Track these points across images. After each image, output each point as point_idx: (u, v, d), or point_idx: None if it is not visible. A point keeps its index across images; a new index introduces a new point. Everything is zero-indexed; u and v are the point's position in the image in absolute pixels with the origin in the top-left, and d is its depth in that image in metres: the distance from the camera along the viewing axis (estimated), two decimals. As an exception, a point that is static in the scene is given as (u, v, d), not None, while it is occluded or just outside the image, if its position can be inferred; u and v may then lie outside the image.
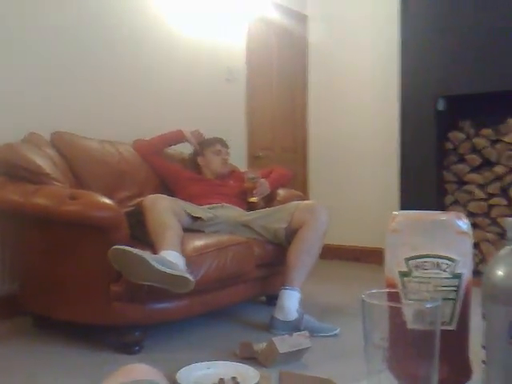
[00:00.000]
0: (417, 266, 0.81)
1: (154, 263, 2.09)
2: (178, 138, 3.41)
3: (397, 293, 0.76)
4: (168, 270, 2.11)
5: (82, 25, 3.26)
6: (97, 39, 3.34)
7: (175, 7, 3.86)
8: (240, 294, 2.79)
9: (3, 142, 2.67)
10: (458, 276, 0.79)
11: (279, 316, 2.59)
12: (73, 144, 2.94)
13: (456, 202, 4.07)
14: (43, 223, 2.42)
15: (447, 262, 0.80)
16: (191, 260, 2.35)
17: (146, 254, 2.12)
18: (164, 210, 2.49)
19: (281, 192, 3.38)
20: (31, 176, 2.53)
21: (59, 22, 3.13)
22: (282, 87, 4.95)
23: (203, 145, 3.40)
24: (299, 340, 2.18)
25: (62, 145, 2.89)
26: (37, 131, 2.84)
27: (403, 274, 0.81)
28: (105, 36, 3.39)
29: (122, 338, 2.31)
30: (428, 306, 0.69)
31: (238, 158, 3.97)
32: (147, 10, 3.67)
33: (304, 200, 3.16)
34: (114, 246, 2.12)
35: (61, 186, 2.57)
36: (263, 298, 3.22)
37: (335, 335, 2.55)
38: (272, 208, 3.03)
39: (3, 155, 2.61)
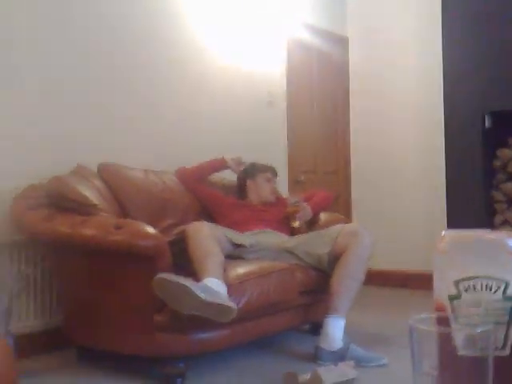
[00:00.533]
0: (467, 289, 0.78)
1: (197, 292, 2.10)
2: (220, 165, 3.44)
3: (446, 317, 0.74)
4: (210, 299, 2.11)
5: (128, 64, 3.37)
6: (137, 73, 3.43)
7: (214, 32, 3.93)
8: (283, 322, 2.77)
9: (52, 174, 2.75)
10: (510, 298, 0.76)
11: (324, 345, 2.55)
12: (118, 174, 3.01)
13: (506, 222, 3.97)
14: (89, 254, 2.47)
15: (499, 283, 0.77)
16: (233, 288, 2.34)
17: (189, 283, 2.13)
18: (206, 237, 2.51)
19: (323, 216, 3.35)
20: (79, 207, 2.60)
21: (107, 64, 3.25)
22: (323, 110, 4.96)
23: (255, 169, 3.42)
24: (345, 370, 2.14)
25: (108, 175, 2.96)
26: (84, 163, 2.93)
27: (453, 297, 0.79)
28: (145, 69, 3.48)
29: (166, 370, 2.31)
30: (479, 330, 0.66)
31: (280, 182, 3.96)
32: (186, 38, 3.74)
33: (347, 223, 3.13)
34: (158, 275, 2.14)
35: (107, 216, 2.62)
36: (307, 327, 3.17)
37: (383, 365, 2.48)
38: (314, 232, 3.00)
39: (52, 187, 2.70)
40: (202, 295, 2.10)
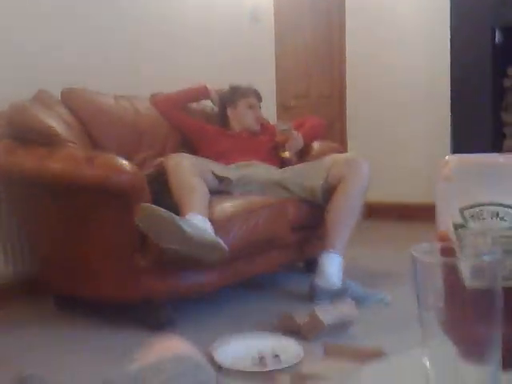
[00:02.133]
0: (473, 217, 0.79)
1: (182, 225, 2.11)
2: (201, 94, 3.41)
3: (451, 247, 0.75)
4: (196, 234, 2.13)
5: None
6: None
7: None
8: (275, 261, 2.81)
9: (10, 100, 2.68)
10: (520, 226, 0.77)
11: (320, 283, 2.60)
12: (85, 101, 2.96)
13: (517, 147, 3.99)
14: (58, 191, 2.45)
15: (508, 210, 0.78)
16: (219, 225, 2.36)
17: (174, 215, 2.14)
18: (188, 170, 2.51)
19: (315, 145, 3.35)
20: (43, 138, 2.56)
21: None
22: (316, 28, 4.86)
23: (236, 94, 3.36)
24: (344, 309, 2.18)
25: (73, 103, 2.91)
26: (46, 88, 2.86)
27: (458, 226, 0.80)
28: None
29: (152, 315, 2.35)
30: (487, 259, 0.67)
31: (267, 108, 3.92)
32: None
33: (342, 153, 3.14)
34: (143, 204, 2.14)
35: (76, 148, 2.59)
36: (301, 265, 3.23)
37: (384, 303, 2.54)
38: (307, 163, 3.02)
39: (11, 117, 2.65)
40: (188, 229, 2.12)
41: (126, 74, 3.41)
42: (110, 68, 3.33)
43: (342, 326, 2.18)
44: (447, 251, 0.72)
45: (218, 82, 3.46)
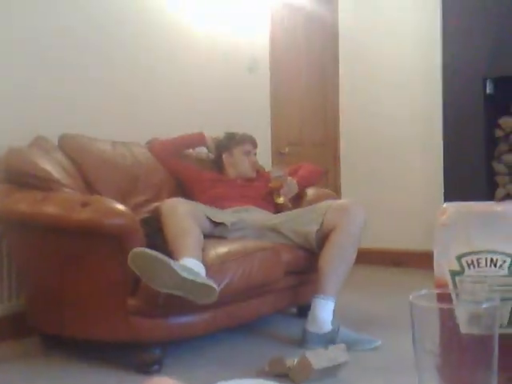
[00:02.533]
0: (470, 264, 0.80)
1: (176, 268, 2.11)
2: (198, 141, 3.46)
3: (448, 294, 0.76)
4: (191, 277, 2.13)
5: (89, 22, 3.30)
6: (105, 35, 3.39)
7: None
8: (268, 306, 2.80)
9: (8, 145, 2.72)
10: (517, 274, 0.78)
11: (312, 328, 2.59)
12: (82, 147, 2.99)
13: (508, 196, 4.02)
14: (53, 233, 2.45)
15: (505, 258, 0.79)
16: (213, 269, 2.36)
17: (168, 258, 2.15)
18: (183, 214, 2.52)
19: (310, 191, 3.38)
20: (39, 183, 2.58)
21: (67, 22, 3.19)
22: (310, 77, 4.96)
23: (232, 141, 3.41)
24: (335, 354, 2.16)
25: (70, 148, 2.94)
26: (44, 134, 2.90)
27: (455, 273, 0.81)
28: (113, 31, 3.43)
29: (141, 357, 2.33)
30: (484, 306, 0.68)
31: (262, 154, 3.97)
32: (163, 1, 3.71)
33: (336, 199, 3.16)
34: (134, 249, 2.15)
35: (71, 193, 2.62)
36: (294, 310, 3.22)
37: (375, 348, 2.54)
38: (301, 209, 3.03)
39: (9, 161, 2.67)
40: (183, 273, 2.12)
41: (124, 121, 3.45)
42: (108, 115, 3.37)
43: (332, 370, 2.16)
44: (444, 298, 0.73)
45: (215, 130, 3.52)
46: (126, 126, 3.42)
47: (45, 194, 2.50)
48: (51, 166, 2.68)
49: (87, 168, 2.93)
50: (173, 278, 2.13)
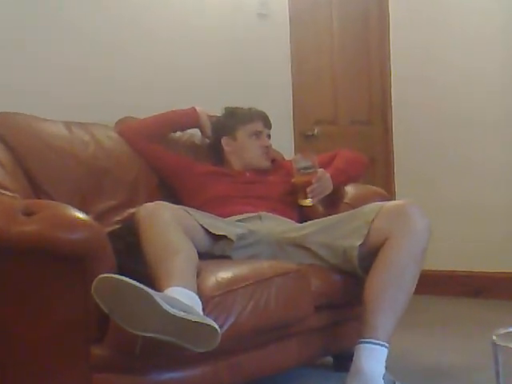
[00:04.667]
0: None
1: (160, 302, 2.09)
2: (187, 120, 3.48)
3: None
4: (181, 314, 2.11)
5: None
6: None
7: None
8: (291, 355, 2.78)
9: None
10: None
11: (357, 385, 2.58)
12: (24, 130, 3.00)
13: None
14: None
15: None
16: (213, 302, 2.34)
17: (149, 289, 2.12)
18: (169, 225, 2.51)
19: (350, 189, 3.38)
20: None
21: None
22: (348, 29, 4.96)
23: (234, 119, 3.44)
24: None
25: (7, 132, 2.94)
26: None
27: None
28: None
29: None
30: None
31: (281, 137, 3.95)
32: None
33: (388, 200, 3.14)
34: (101, 275, 2.13)
35: (11, 197, 2.61)
36: (329, 360, 3.22)
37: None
38: (338, 215, 3.02)
39: None
40: (169, 309, 2.10)
41: (83, 94, 3.45)
42: (60, 84, 3.38)
43: None
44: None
45: (212, 105, 3.51)
46: (87, 101, 3.43)
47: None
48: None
49: (31, 160, 2.93)
50: (156, 315, 2.10)
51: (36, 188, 2.87)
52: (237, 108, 3.45)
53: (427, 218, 2.77)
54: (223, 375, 2.51)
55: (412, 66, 5.03)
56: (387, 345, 2.62)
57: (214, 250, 2.74)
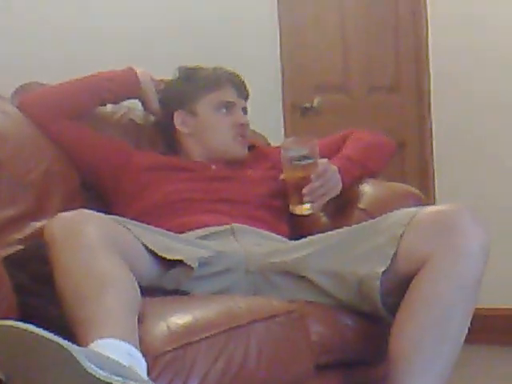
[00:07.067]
0: None
1: (82, 360, 2.07)
2: (124, 86, 3.51)
3: None
4: (114, 378, 2.09)
5: None
6: None
7: None
8: None
9: None
10: None
11: None
12: None
13: None
14: None
15: None
16: (164, 361, 2.34)
17: (66, 343, 2.10)
18: (96, 246, 2.49)
19: (369, 189, 3.38)
20: None
21: None
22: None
23: (194, 85, 3.47)
24: None
25: None
26: None
27: None
28: None
29: None
30: None
31: (264, 112, 3.95)
32: None
33: (425, 205, 3.13)
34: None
35: None
36: None
37: None
38: (350, 229, 3.02)
39: None
40: (97, 371, 2.08)
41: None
42: None
43: None
44: None
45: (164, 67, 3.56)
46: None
47: None
48: None
49: None
50: (77, 381, 2.09)
51: None
52: (197, 68, 3.46)
53: (485, 233, 2.75)
54: None
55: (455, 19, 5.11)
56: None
57: (165, 281, 2.75)
